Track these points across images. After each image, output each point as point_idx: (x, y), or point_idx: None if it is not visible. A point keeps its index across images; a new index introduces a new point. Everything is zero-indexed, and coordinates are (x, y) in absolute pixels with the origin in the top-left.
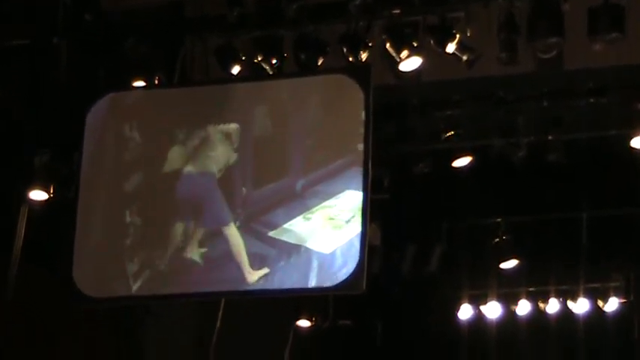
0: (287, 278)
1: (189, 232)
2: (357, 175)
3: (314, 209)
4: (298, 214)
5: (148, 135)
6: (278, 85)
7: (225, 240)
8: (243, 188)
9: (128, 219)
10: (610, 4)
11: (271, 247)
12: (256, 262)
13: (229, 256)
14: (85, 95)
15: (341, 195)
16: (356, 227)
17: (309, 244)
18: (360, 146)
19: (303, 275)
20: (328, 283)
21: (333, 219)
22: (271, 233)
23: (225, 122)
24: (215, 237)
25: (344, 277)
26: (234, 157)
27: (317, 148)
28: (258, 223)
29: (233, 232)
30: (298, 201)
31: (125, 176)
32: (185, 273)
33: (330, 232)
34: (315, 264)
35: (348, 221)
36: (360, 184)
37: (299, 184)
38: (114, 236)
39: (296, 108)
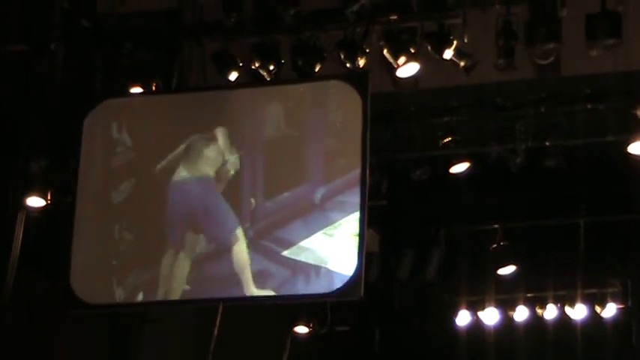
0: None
1: (186, 247)
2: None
3: (337, 223)
4: (318, 230)
5: (143, 142)
6: (276, 91)
7: (228, 259)
8: (252, 199)
9: (117, 235)
10: (607, 10)
11: (285, 267)
12: (263, 283)
13: (231, 278)
14: (81, 101)
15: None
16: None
17: (330, 265)
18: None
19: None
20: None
21: (358, 235)
22: (286, 252)
23: (223, 129)
24: (217, 255)
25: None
26: (237, 164)
27: (335, 155)
28: (269, 239)
29: (239, 250)
30: (318, 213)
31: (118, 184)
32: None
33: (355, 250)
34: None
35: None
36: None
37: (318, 193)
38: (104, 252)
39: (297, 114)
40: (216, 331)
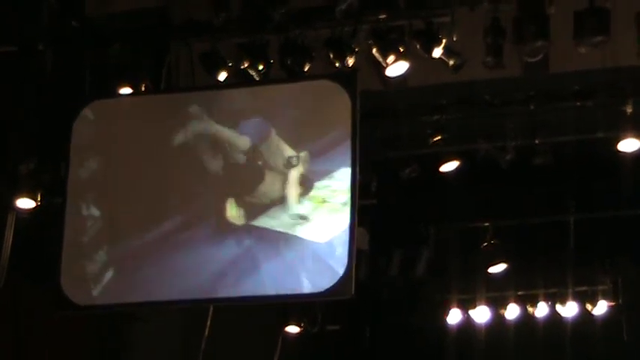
0: (276, 280)
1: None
2: (331, 146)
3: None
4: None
5: (133, 141)
6: (264, 90)
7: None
8: (232, 198)
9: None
10: (595, 7)
11: (256, 239)
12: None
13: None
14: (70, 102)
15: (335, 174)
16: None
17: (300, 233)
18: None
19: (294, 275)
20: (325, 283)
21: (326, 201)
22: (256, 222)
23: (213, 127)
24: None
25: (333, 283)
26: (220, 162)
27: (304, 125)
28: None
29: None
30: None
31: (108, 183)
32: (160, 280)
33: (325, 216)
34: (309, 258)
35: (344, 204)
36: (339, 158)
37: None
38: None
39: (284, 112)
40: (206, 330)
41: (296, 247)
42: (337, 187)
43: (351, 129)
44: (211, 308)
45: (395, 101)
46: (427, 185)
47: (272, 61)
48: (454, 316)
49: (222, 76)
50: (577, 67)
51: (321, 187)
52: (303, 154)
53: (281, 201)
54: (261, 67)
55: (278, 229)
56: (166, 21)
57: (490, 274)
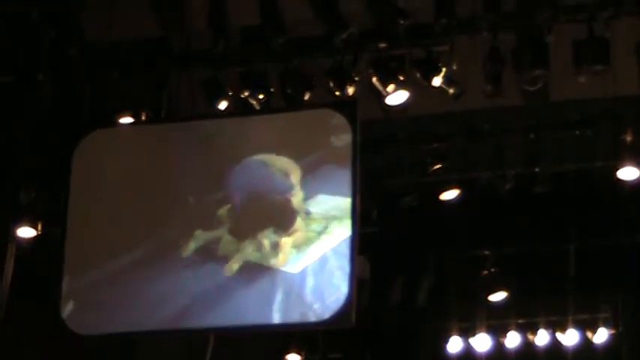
0: (245, 311)
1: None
2: (331, 174)
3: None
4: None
5: (131, 170)
6: (264, 120)
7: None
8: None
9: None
10: (594, 36)
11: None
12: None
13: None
14: (70, 131)
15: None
16: (330, 240)
17: (272, 262)
18: (337, 142)
19: (264, 305)
20: (297, 316)
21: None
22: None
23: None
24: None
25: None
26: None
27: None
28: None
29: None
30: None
31: (109, 213)
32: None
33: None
34: (279, 290)
35: (320, 232)
36: (339, 187)
37: None
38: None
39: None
40: (207, 359)
41: (268, 277)
42: (333, 214)
43: (351, 157)
44: (212, 336)
45: (395, 130)
46: (428, 213)
47: (272, 90)
48: (454, 344)
49: (223, 105)
50: (577, 95)
51: (314, 216)
52: (299, 182)
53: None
54: (261, 96)
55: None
56: (167, 50)
57: (490, 302)
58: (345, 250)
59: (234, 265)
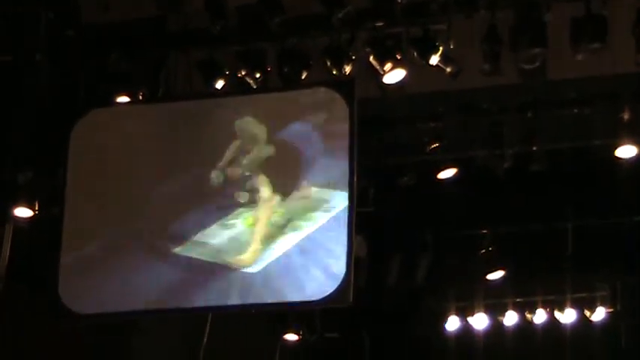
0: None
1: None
2: (308, 168)
3: (236, 212)
4: (213, 221)
5: (128, 149)
6: (261, 99)
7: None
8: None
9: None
10: (592, 14)
11: (178, 269)
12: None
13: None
14: (68, 111)
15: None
16: (294, 236)
17: (229, 260)
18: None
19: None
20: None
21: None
22: (177, 250)
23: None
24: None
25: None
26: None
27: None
28: (161, 237)
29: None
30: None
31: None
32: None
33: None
34: (236, 287)
35: (283, 226)
36: (316, 180)
37: (213, 175)
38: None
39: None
40: (205, 340)
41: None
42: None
43: (348, 136)
44: (210, 317)
45: (392, 109)
46: (425, 192)
47: (269, 69)
48: (453, 323)
49: (220, 84)
50: (574, 74)
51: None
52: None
53: None
54: (258, 75)
55: None
56: (164, 29)
57: (488, 281)
58: (342, 228)
59: None
